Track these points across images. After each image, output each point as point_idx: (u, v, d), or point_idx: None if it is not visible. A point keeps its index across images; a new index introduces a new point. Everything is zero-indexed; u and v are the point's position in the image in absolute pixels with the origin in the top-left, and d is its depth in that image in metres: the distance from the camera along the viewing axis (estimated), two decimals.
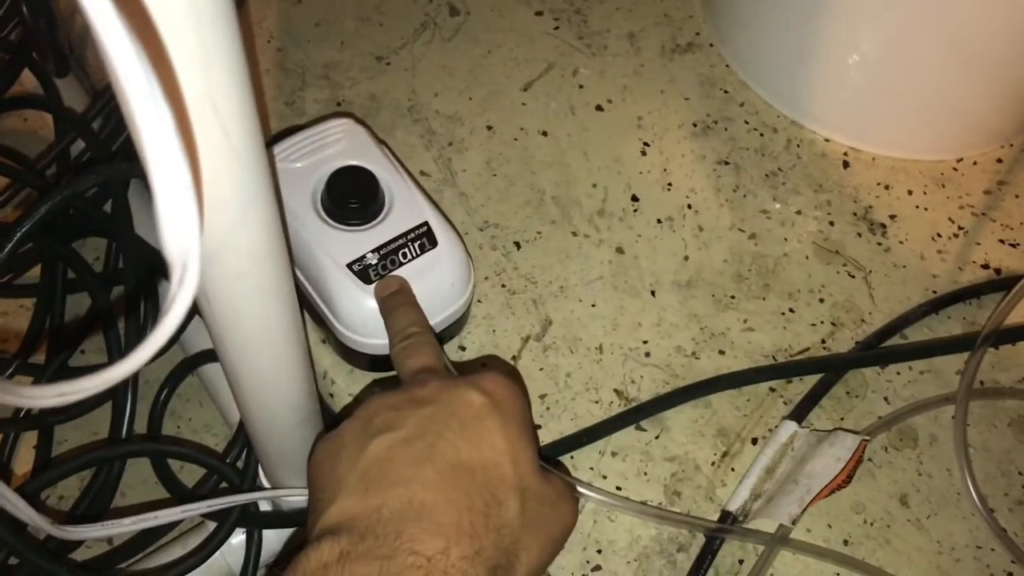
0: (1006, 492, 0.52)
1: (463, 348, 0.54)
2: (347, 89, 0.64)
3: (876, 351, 0.55)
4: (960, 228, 0.61)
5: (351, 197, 0.49)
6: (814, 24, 0.60)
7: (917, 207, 0.62)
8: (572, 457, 0.51)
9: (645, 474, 0.51)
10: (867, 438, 0.49)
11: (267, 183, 0.28)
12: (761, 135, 0.64)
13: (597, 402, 0.53)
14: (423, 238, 0.50)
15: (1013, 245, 0.61)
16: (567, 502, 0.37)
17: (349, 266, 0.48)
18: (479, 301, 0.56)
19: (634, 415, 0.52)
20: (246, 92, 0.25)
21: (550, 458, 0.50)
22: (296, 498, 0.48)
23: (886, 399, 0.54)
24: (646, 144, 0.63)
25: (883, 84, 0.61)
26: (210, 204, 0.26)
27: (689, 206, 0.61)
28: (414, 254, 0.49)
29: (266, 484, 0.50)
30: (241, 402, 0.40)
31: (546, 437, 0.51)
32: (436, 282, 0.50)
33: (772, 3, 0.62)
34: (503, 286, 0.56)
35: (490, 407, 0.36)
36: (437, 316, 0.50)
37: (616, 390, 0.53)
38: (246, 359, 0.36)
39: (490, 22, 0.68)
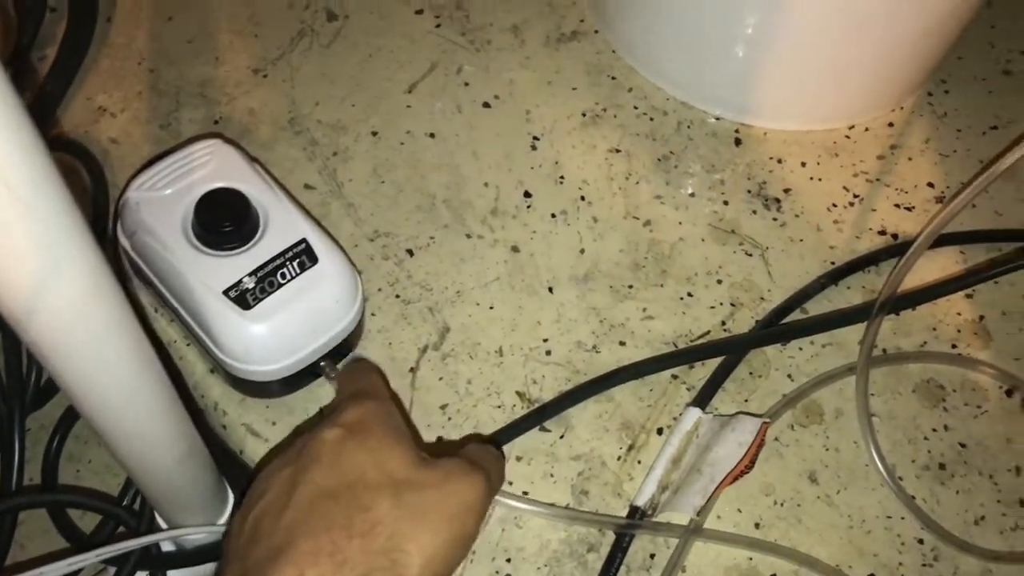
0: (913, 459, 0.52)
1: None
2: (224, 106, 0.62)
3: (775, 328, 0.55)
4: (855, 196, 0.61)
5: (222, 221, 0.48)
6: (695, 1, 0.59)
7: (811, 179, 0.62)
8: None
9: (551, 476, 0.50)
10: (767, 420, 0.49)
11: (76, 232, 0.27)
12: (651, 119, 0.63)
13: (499, 407, 0.52)
14: (302, 256, 0.48)
15: (908, 208, 0.61)
16: (458, 479, 0.37)
17: (226, 293, 0.47)
18: (373, 314, 0.54)
19: (537, 416, 0.51)
20: (27, 140, 0.23)
21: (494, 441, 0.50)
22: (196, 536, 0.46)
23: (789, 376, 0.54)
24: (536, 138, 0.62)
25: (768, 57, 0.60)
26: (6, 262, 0.24)
27: (583, 198, 0.60)
28: (294, 273, 0.48)
29: (163, 524, 0.48)
30: (112, 450, 0.38)
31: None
32: (319, 300, 0.48)
33: None
34: (397, 296, 0.55)
35: (344, 434, 0.37)
36: (324, 335, 0.48)
37: (518, 392, 0.52)
38: (100, 411, 0.34)
39: (369, 25, 0.66)
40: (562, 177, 0.61)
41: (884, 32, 0.59)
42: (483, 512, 0.38)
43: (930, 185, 0.62)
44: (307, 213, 0.50)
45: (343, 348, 0.51)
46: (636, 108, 0.64)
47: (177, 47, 0.64)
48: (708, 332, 0.55)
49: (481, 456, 0.41)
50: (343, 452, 0.36)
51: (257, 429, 0.51)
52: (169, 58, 0.64)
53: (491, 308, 0.55)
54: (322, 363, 0.49)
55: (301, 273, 0.48)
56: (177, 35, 0.65)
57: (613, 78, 0.65)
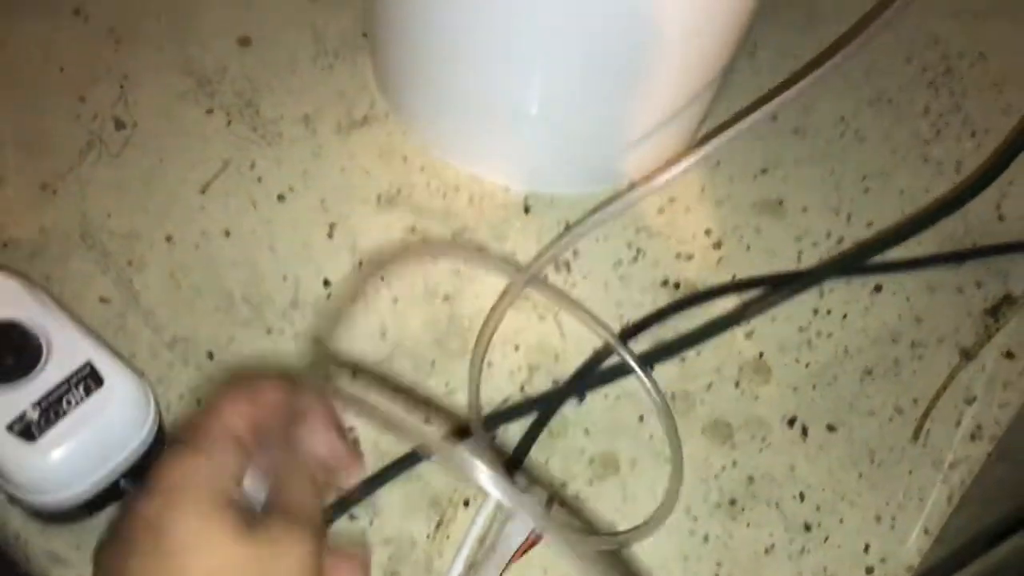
0: (705, 498, 0.56)
1: None
2: (13, 228, 0.61)
3: (570, 386, 0.58)
4: (639, 251, 0.65)
5: (0, 356, 0.48)
6: (476, 82, 0.62)
7: (596, 239, 0.65)
8: None
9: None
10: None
11: None
12: (444, 196, 0.66)
13: None
14: (87, 379, 0.48)
15: (688, 257, 0.65)
16: (283, 546, 0.35)
17: (9, 428, 0.47)
18: (175, 424, 0.55)
19: (344, 505, 0.52)
20: None
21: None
22: None
23: (586, 431, 0.57)
24: (332, 225, 0.64)
25: (547, 128, 0.64)
26: None
27: (382, 278, 0.62)
28: (79, 399, 0.48)
29: None
30: None
31: None
32: (108, 422, 0.48)
33: (435, 67, 0.64)
34: (199, 401, 0.56)
35: (160, 507, 0.34)
36: (117, 456, 0.49)
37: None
38: None
39: (159, 129, 0.67)
40: (361, 262, 0.62)
41: (648, 96, 0.63)
42: (316, 567, 0.35)
43: (707, 233, 0.67)
44: (94, 334, 0.50)
45: (143, 464, 0.51)
46: (429, 186, 0.66)
47: None
48: (508, 398, 0.58)
49: (300, 503, 0.37)
50: (161, 533, 0.33)
51: (63, 556, 0.50)
52: None
53: None
54: (122, 482, 0.50)
55: (87, 397, 0.48)
56: None
57: (405, 159, 0.68)
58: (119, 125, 0.67)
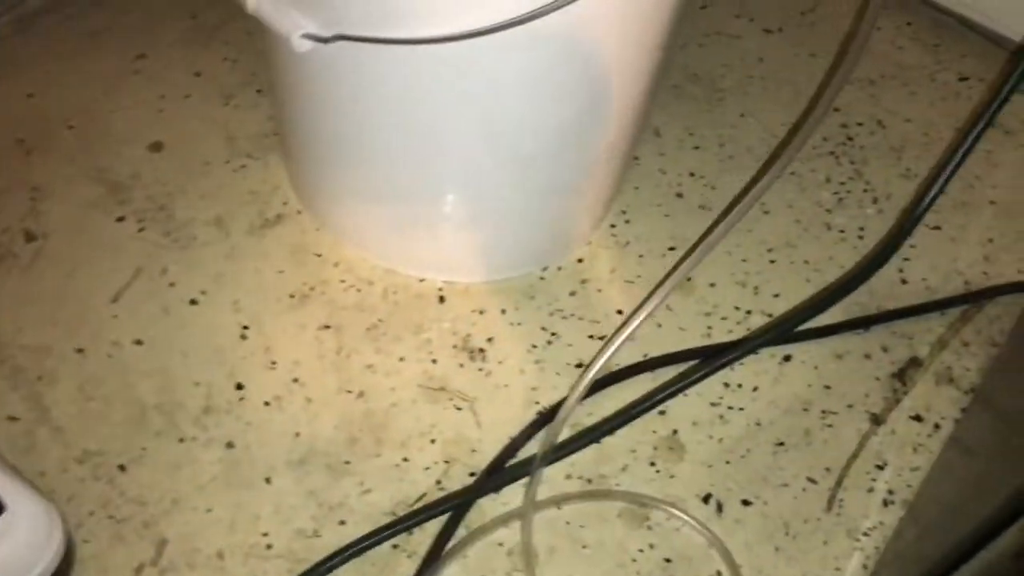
0: None
1: None
2: None
3: (483, 481, 0.58)
4: (553, 334, 0.66)
5: None
6: (386, 174, 0.63)
7: (511, 324, 0.66)
8: None
9: None
10: None
11: None
12: (358, 290, 0.67)
13: None
14: None
15: (600, 338, 0.66)
16: None
17: None
18: (86, 541, 0.54)
19: None
20: None
21: None
22: None
23: (505, 524, 0.57)
24: (245, 327, 0.64)
25: (458, 218, 0.65)
26: None
27: (295, 380, 0.62)
28: None
29: None
30: None
31: None
32: (12, 549, 0.48)
33: (345, 167, 0.65)
34: (110, 517, 0.55)
35: None
36: None
37: None
38: None
39: (70, 239, 0.67)
40: (274, 362, 0.63)
41: (554, 186, 0.64)
42: None
43: (619, 312, 0.68)
44: None
45: None
46: (343, 281, 0.67)
47: None
48: (424, 495, 0.58)
49: None
50: None
51: None
52: None
53: (209, 511, 0.56)
54: None
55: None
56: None
57: (319, 255, 0.68)
58: (29, 237, 0.67)
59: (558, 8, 0.48)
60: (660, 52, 0.60)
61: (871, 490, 0.61)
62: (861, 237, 0.74)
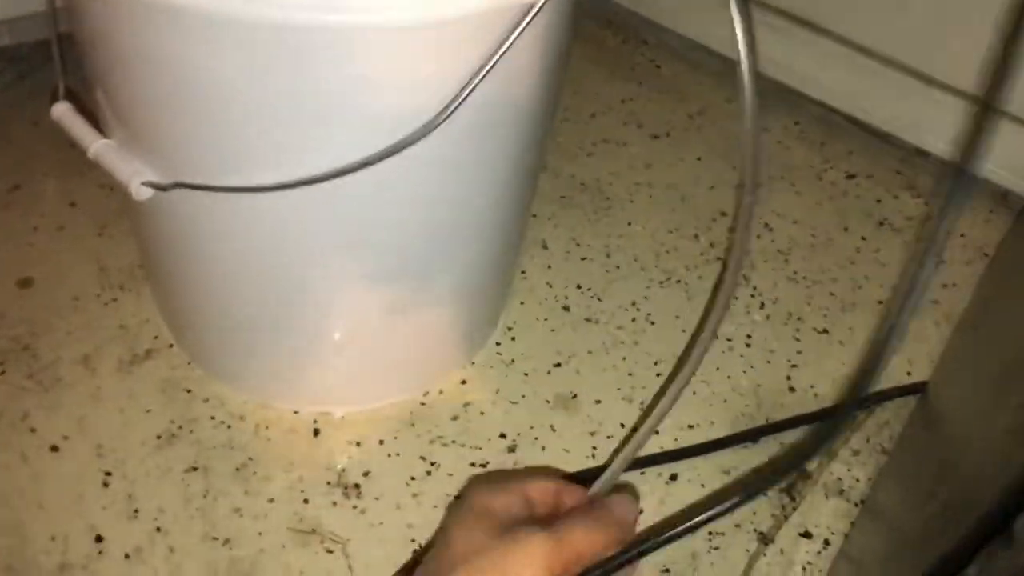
0: None
1: None
2: None
3: None
4: (432, 464, 0.64)
5: None
6: (247, 311, 0.62)
7: (389, 455, 0.64)
8: None
9: None
10: None
11: None
12: (229, 427, 0.65)
13: None
14: None
15: (483, 465, 0.65)
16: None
17: None
18: None
19: None
20: None
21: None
22: None
23: None
24: (108, 474, 0.62)
25: (331, 350, 0.63)
26: None
27: (158, 528, 0.59)
28: None
29: None
30: None
31: None
32: None
33: (212, 303, 0.63)
34: None
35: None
36: None
37: None
38: None
39: None
40: (136, 510, 0.60)
41: (428, 308, 0.63)
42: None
43: (502, 436, 0.66)
44: None
45: None
46: (213, 418, 0.65)
47: None
48: None
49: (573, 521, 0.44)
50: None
51: None
52: None
53: None
54: None
55: None
56: None
57: (189, 391, 0.66)
58: None
59: (396, 152, 0.47)
60: (525, 174, 0.59)
61: None
62: (748, 345, 0.74)
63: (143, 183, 0.51)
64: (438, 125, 0.45)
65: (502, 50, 0.43)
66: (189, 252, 0.58)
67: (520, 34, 0.43)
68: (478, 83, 0.43)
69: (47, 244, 0.74)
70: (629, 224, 0.81)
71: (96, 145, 0.53)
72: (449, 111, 0.44)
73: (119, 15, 0.43)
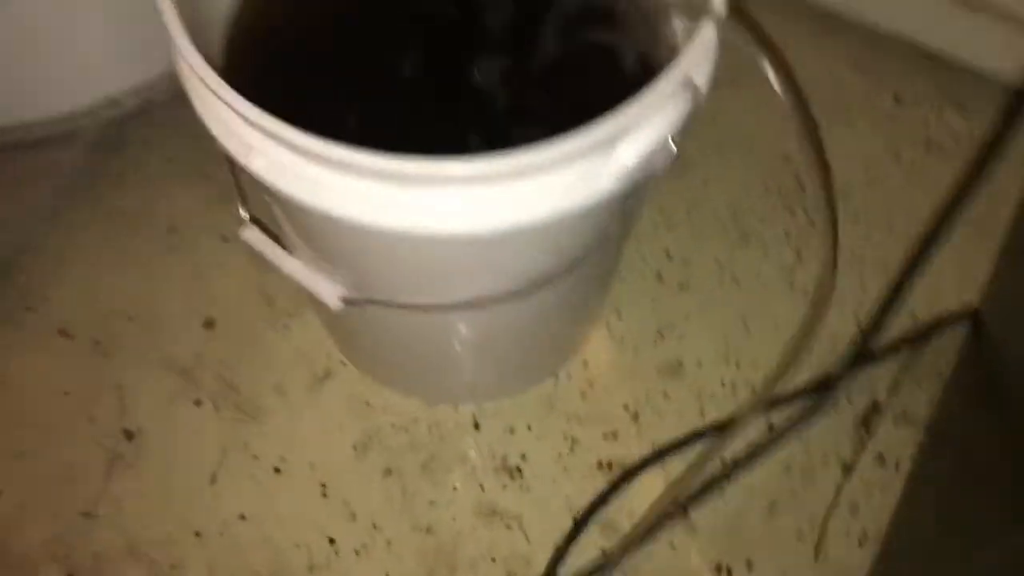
0: None
1: None
2: (67, 559, 0.75)
3: None
4: (573, 440, 0.80)
5: None
6: (419, 365, 0.75)
7: (538, 438, 0.80)
8: None
9: None
10: None
11: None
12: (407, 431, 0.80)
13: None
14: None
15: (613, 435, 0.80)
16: None
17: None
18: None
19: None
20: None
21: None
22: None
23: None
24: (323, 485, 0.78)
25: (484, 362, 0.77)
26: None
27: (374, 526, 0.76)
28: None
29: None
30: None
31: None
32: None
33: (384, 357, 0.76)
34: None
35: None
36: None
37: None
38: None
39: (161, 430, 0.80)
40: (354, 514, 0.77)
41: (562, 317, 0.76)
42: None
43: (625, 407, 0.81)
44: None
45: None
46: (394, 425, 0.80)
47: None
48: None
49: None
50: None
51: None
52: None
53: None
54: None
55: None
56: None
57: (368, 403, 0.81)
58: (128, 436, 0.80)
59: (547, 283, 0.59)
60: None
61: (848, 534, 0.76)
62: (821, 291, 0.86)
63: (340, 298, 0.64)
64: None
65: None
66: (368, 335, 0.71)
67: None
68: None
69: (216, 283, 0.86)
70: (704, 183, 0.91)
71: (290, 265, 0.65)
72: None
73: (339, 230, 0.54)
